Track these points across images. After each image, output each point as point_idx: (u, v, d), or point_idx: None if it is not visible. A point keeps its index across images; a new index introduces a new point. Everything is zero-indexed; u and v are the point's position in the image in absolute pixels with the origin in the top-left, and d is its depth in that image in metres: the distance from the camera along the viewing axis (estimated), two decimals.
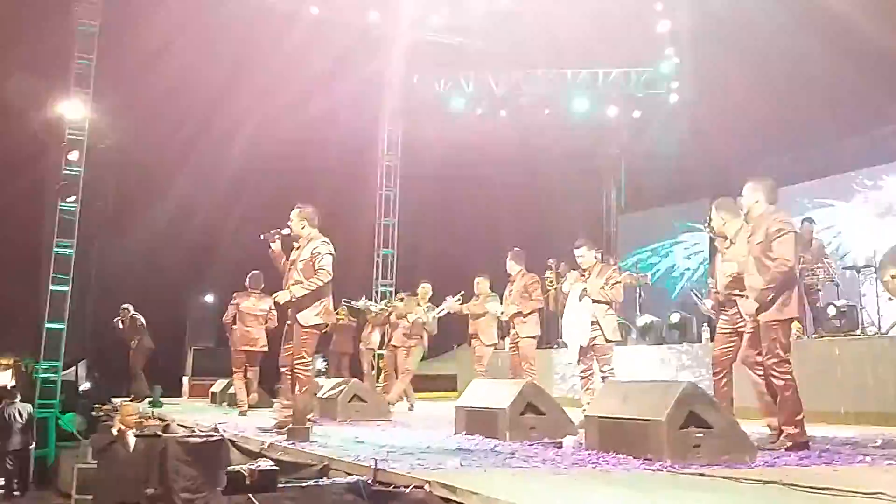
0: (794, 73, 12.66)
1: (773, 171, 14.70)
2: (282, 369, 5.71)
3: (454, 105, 17.04)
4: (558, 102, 16.92)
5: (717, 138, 14.54)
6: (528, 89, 16.83)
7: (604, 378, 6.06)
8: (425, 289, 9.02)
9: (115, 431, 6.70)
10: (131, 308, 10.82)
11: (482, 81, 16.92)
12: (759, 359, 4.53)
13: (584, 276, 6.33)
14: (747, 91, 13.57)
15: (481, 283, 8.16)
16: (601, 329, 6.13)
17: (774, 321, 4.41)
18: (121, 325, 10.75)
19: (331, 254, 5.48)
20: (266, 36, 14.95)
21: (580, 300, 6.21)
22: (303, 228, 5.59)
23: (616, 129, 18.13)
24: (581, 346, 6.18)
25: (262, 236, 5.66)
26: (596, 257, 6.48)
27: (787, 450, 4.18)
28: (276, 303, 5.80)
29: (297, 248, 5.60)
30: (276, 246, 5.65)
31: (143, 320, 10.72)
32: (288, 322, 5.63)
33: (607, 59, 16.68)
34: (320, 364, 11.42)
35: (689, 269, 15.28)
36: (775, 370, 4.35)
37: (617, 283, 6.35)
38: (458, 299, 8.33)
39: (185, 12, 13.53)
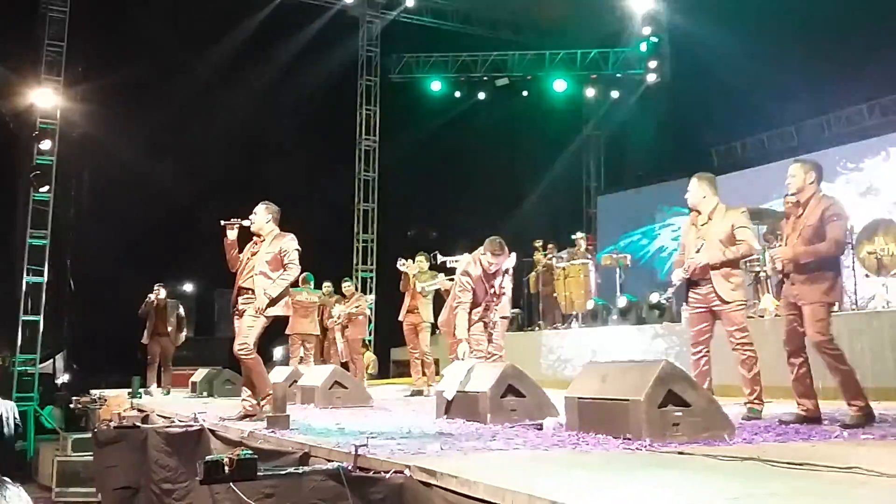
0: (773, 53, 12.68)
1: (754, 150, 14.87)
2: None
3: (432, 87, 16.95)
4: (537, 83, 16.89)
5: (695, 118, 14.60)
6: (506, 70, 16.77)
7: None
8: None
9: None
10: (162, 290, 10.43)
11: (460, 63, 16.83)
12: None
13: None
14: (726, 71, 13.60)
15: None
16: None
17: (820, 303, 4.46)
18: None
19: (297, 249, 5.77)
20: (241, 18, 14.74)
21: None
22: (267, 223, 5.79)
23: (594, 109, 18.15)
24: None
25: (222, 222, 5.78)
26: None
27: (855, 425, 4.21)
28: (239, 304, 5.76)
29: (260, 241, 5.79)
30: (232, 234, 5.78)
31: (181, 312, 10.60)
32: (236, 310, 5.75)
33: (585, 39, 16.66)
34: (302, 352, 11.28)
35: (666, 247, 15.36)
36: (827, 347, 4.43)
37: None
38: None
39: None
